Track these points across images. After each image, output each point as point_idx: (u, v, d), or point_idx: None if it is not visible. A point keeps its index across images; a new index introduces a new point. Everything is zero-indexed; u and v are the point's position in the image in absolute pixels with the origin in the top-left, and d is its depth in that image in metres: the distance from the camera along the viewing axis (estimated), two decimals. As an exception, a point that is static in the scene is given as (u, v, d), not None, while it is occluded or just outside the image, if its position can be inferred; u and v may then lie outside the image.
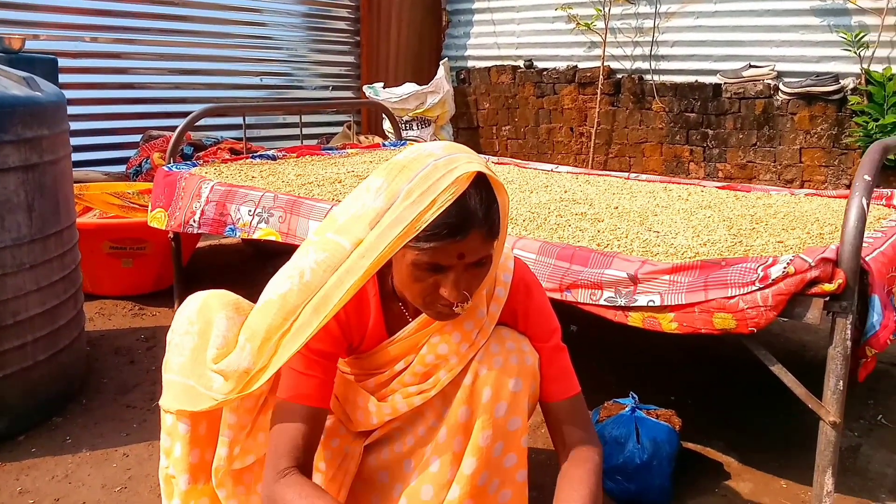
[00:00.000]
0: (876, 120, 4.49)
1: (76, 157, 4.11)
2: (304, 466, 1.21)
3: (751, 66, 5.05)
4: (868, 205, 1.50)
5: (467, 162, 1.14)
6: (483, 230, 1.13)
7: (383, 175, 1.17)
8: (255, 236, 2.50)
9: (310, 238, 1.23)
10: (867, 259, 1.57)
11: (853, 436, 2.14)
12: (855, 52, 4.58)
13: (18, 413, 2.07)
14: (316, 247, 1.19)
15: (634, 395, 1.91)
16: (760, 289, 1.50)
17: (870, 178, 1.52)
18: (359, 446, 1.37)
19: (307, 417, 1.23)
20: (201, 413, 1.30)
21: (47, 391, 2.16)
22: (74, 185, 2.93)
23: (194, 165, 3.08)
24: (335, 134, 5.79)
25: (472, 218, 1.12)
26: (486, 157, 3.80)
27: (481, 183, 1.14)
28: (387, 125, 5.71)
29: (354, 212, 1.17)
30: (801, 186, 4.87)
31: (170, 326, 1.40)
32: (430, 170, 1.13)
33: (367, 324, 1.32)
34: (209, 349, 1.30)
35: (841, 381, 1.53)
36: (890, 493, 1.87)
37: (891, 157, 4.38)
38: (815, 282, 1.49)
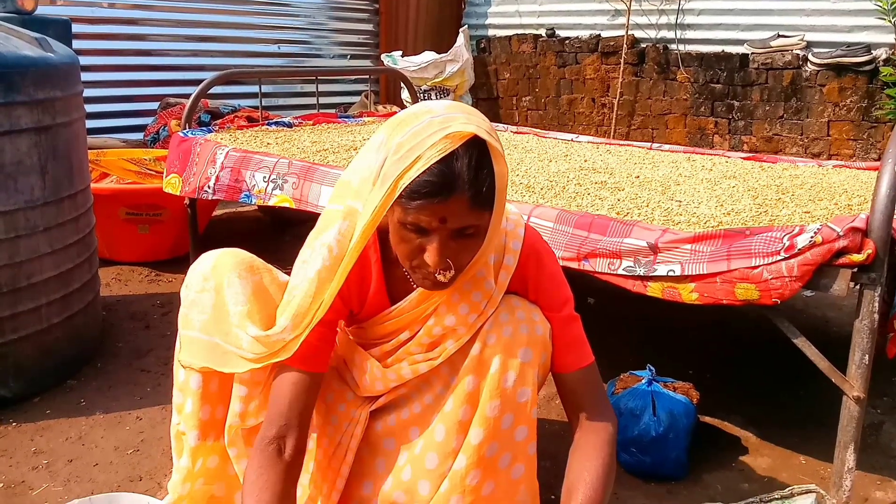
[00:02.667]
0: (908, 92, 4.36)
1: (93, 124, 4.12)
2: (285, 429, 1.22)
3: (779, 36, 4.91)
4: (902, 172, 1.44)
5: (464, 122, 1.07)
6: (467, 194, 1.06)
7: (384, 130, 1.14)
8: (271, 203, 2.48)
9: (331, 206, 1.21)
10: (898, 230, 1.51)
11: (876, 413, 2.09)
12: (889, 21, 4.43)
13: (33, 375, 2.08)
14: (340, 215, 1.18)
15: (651, 368, 1.87)
16: (786, 258, 1.45)
17: (904, 145, 1.45)
18: (365, 411, 1.35)
19: (299, 381, 1.23)
20: (216, 370, 1.31)
21: (62, 354, 2.17)
22: (91, 151, 2.93)
23: (209, 132, 3.06)
24: (353, 103, 5.75)
25: (457, 180, 1.05)
26: (506, 126, 3.74)
27: (476, 146, 1.07)
28: (405, 94, 5.65)
29: (362, 173, 1.15)
30: (829, 160, 4.76)
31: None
32: (425, 125, 1.08)
33: (368, 290, 1.29)
34: (230, 306, 1.30)
35: (866, 356, 1.48)
36: (913, 472, 1.83)
37: (923, 130, 4.25)
38: (842, 252, 1.43)
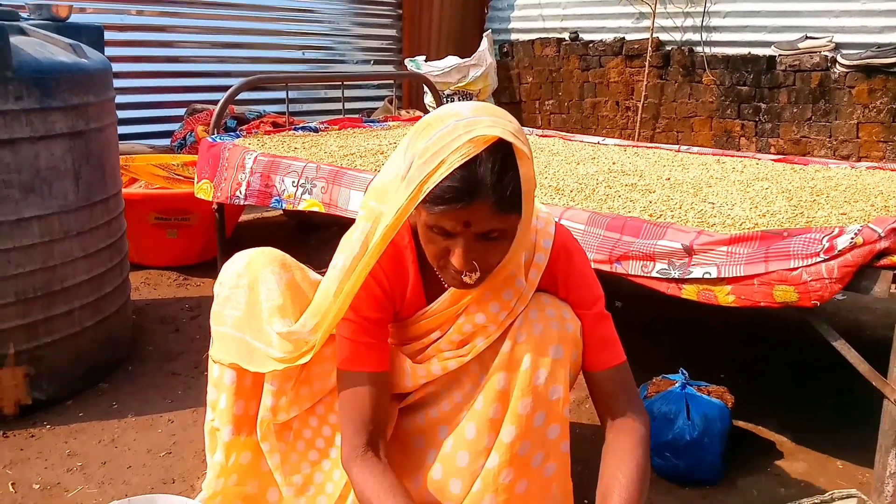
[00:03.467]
0: (941, 92, 4.28)
1: (121, 129, 4.14)
2: (375, 434, 1.23)
3: (807, 38, 4.84)
4: (944, 171, 1.41)
5: (489, 125, 1.06)
6: (491, 200, 1.05)
7: (411, 133, 1.14)
8: (301, 207, 2.49)
9: (360, 211, 1.23)
10: (941, 231, 1.48)
11: (915, 418, 2.05)
12: (920, 21, 4.36)
13: (66, 378, 2.10)
14: (363, 218, 1.19)
15: (684, 372, 1.85)
16: (825, 260, 1.42)
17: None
18: (394, 408, 1.35)
19: (371, 384, 1.23)
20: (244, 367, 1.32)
21: (94, 357, 2.19)
22: (121, 156, 2.96)
23: (237, 137, 3.09)
24: (376, 108, 5.76)
25: (479, 185, 1.04)
26: (531, 129, 3.73)
27: (501, 150, 1.06)
28: (428, 99, 5.66)
29: (389, 176, 1.15)
30: (859, 162, 4.69)
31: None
32: (450, 129, 1.07)
33: (406, 290, 1.29)
34: (262, 303, 1.32)
35: (909, 359, 1.45)
36: (955, 478, 1.79)
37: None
38: (884, 253, 1.40)
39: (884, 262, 1.41)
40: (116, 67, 4.26)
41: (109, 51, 4.10)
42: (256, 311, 1.32)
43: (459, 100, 5.67)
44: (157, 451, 1.87)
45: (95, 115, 2.11)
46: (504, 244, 1.14)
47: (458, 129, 1.06)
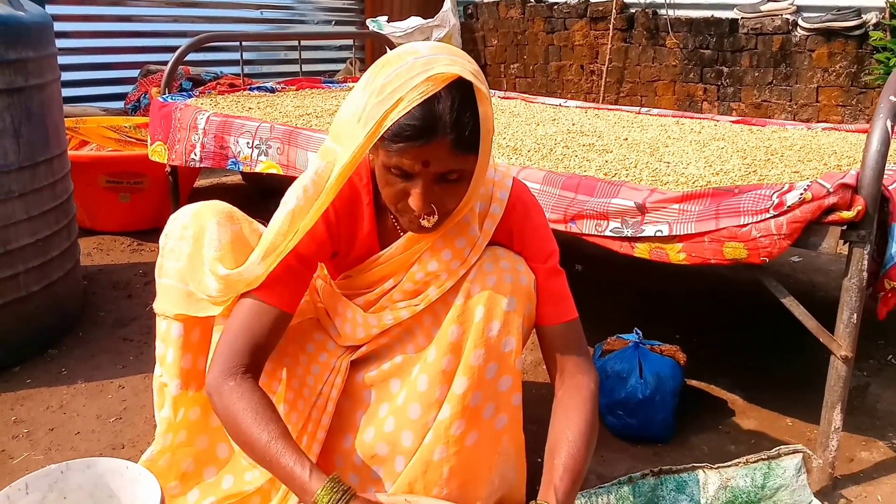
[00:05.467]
0: (898, 56, 4.33)
1: (72, 92, 4.02)
2: (258, 366, 1.21)
3: (769, 1, 4.85)
4: (893, 128, 1.41)
5: (448, 63, 1.05)
6: (449, 138, 1.04)
7: (369, 71, 1.12)
8: (258, 169, 2.44)
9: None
10: (889, 188, 1.49)
11: (862, 375, 2.09)
12: (879, -15, 4.39)
13: (13, 344, 2.04)
14: (319, 157, 1.17)
15: (638, 331, 1.86)
16: (775, 216, 1.42)
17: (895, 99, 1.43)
18: (346, 360, 1.34)
19: (273, 318, 1.21)
20: (195, 318, 1.30)
21: (42, 323, 2.13)
22: (70, 118, 2.86)
23: (190, 97, 3.00)
24: (338, 70, 5.66)
25: (438, 123, 1.04)
26: (493, 91, 3.69)
27: (460, 88, 1.05)
28: (392, 62, 5.56)
29: (346, 115, 1.12)
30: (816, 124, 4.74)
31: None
32: (408, 66, 1.06)
33: (359, 231, 1.28)
34: (206, 253, 1.29)
35: (854, 315, 1.47)
36: (898, 432, 1.84)
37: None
38: (832, 209, 1.41)
39: (832, 217, 1.41)
40: (65, 26, 4.13)
41: (57, 9, 3.97)
42: (199, 262, 1.29)
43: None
44: (106, 417, 1.83)
45: (35, 71, 2.02)
46: (462, 187, 1.13)
47: (416, 66, 1.05)
